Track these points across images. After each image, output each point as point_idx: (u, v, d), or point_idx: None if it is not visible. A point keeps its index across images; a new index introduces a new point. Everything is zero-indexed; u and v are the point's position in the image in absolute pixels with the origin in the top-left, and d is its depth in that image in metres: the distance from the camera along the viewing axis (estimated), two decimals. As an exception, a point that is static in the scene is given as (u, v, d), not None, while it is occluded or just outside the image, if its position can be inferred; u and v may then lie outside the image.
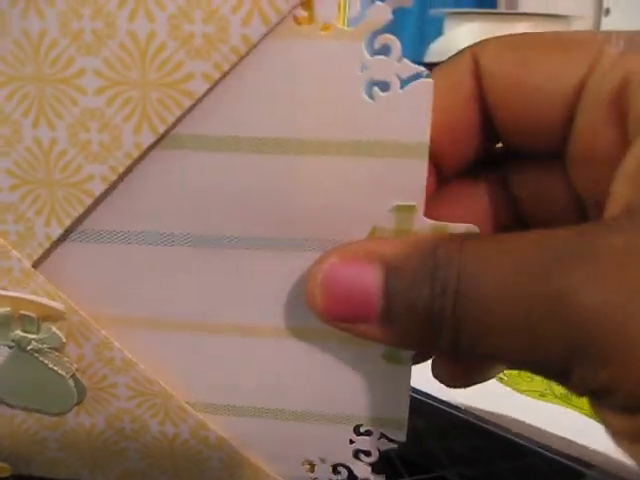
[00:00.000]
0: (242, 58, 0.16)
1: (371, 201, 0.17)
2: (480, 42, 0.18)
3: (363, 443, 0.20)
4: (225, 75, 0.16)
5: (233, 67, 0.16)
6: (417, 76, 0.16)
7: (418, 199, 0.17)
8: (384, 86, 0.17)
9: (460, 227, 0.17)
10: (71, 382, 0.20)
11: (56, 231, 0.18)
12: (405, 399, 0.19)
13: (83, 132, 0.17)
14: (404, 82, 0.16)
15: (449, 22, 0.66)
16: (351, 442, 0.20)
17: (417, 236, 0.17)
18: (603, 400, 0.14)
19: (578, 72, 0.16)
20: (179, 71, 0.16)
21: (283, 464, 0.21)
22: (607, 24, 0.76)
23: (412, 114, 0.16)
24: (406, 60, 0.16)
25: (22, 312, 0.19)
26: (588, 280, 0.14)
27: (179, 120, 0.17)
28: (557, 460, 0.24)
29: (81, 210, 0.18)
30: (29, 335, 0.19)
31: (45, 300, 0.19)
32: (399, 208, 0.17)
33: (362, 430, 0.20)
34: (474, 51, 0.17)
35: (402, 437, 0.20)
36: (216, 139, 0.17)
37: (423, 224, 0.17)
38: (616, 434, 0.15)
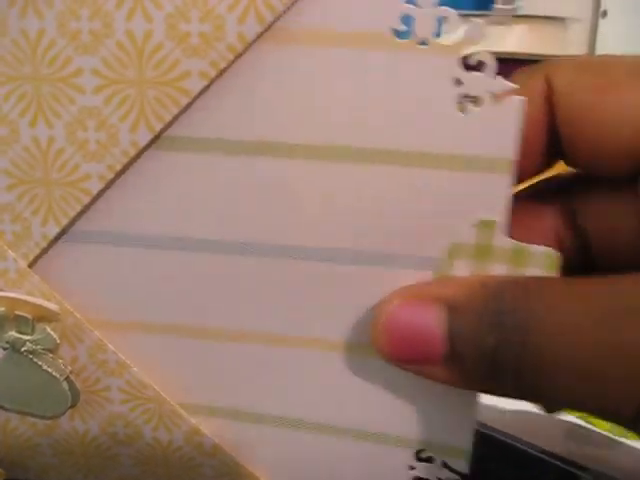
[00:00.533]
0: (239, 56, 0.17)
1: (453, 215, 0.18)
2: (553, 62, 0.18)
3: (423, 470, 0.20)
4: (221, 73, 0.17)
5: (230, 65, 0.17)
6: (509, 93, 0.17)
7: (501, 215, 0.17)
8: (476, 101, 0.17)
9: (539, 250, 0.17)
10: (65, 385, 0.20)
11: (53, 230, 0.18)
12: (470, 427, 0.19)
13: (81, 131, 0.17)
14: (496, 99, 0.17)
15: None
16: (411, 468, 0.20)
17: (480, 277, 0.17)
18: None
19: None
20: (175, 69, 0.17)
21: None
22: (604, 26, 0.78)
23: (502, 130, 0.17)
24: (500, 77, 0.17)
25: (17, 313, 0.19)
26: None
27: (176, 119, 0.17)
28: (553, 463, 0.25)
29: (78, 209, 0.18)
30: (23, 336, 0.19)
31: (40, 301, 0.19)
32: (481, 223, 0.18)
33: (423, 456, 0.20)
34: (546, 71, 0.17)
35: (465, 468, 0.20)
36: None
37: (504, 242, 0.18)
38: None
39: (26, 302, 0.19)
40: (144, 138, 0.17)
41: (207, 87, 0.17)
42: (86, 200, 0.18)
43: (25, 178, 0.18)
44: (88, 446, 0.21)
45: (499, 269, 0.18)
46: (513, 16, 0.62)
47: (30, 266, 0.19)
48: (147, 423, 0.20)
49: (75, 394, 0.20)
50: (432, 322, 0.16)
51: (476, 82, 0.17)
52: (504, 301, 0.16)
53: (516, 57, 0.58)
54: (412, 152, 0.17)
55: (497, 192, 0.17)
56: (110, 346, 0.20)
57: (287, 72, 0.17)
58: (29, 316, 0.19)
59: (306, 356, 0.19)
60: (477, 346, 0.16)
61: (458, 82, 0.17)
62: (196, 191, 0.18)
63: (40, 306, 0.19)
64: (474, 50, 0.17)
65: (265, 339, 0.19)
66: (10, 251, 0.19)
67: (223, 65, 0.17)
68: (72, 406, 0.20)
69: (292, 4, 0.17)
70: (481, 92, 0.17)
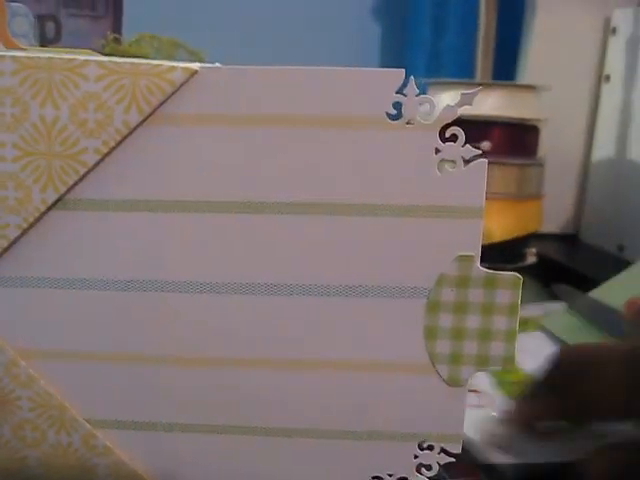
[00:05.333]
0: (124, 138, 0.24)
1: (439, 252, 0.25)
2: None
3: (425, 457, 0.27)
4: (111, 150, 0.24)
5: (118, 144, 0.24)
6: (476, 157, 0.24)
7: (475, 250, 0.25)
8: (451, 164, 0.24)
9: (506, 275, 0.25)
10: (-17, 393, 0.26)
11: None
12: (462, 415, 0.26)
13: (2, 190, 0.24)
14: (466, 161, 0.24)
15: (431, 90, 0.74)
16: (415, 457, 0.27)
17: None
18: None
19: None
20: (76, 146, 0.24)
21: None
22: (607, 91, 0.83)
23: (472, 185, 0.24)
24: (468, 145, 0.24)
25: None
26: None
27: (77, 184, 0.24)
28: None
29: (-2, 252, 0.25)
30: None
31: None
32: (461, 258, 0.25)
33: (425, 445, 0.26)
34: None
35: (458, 449, 0.26)
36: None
37: (479, 272, 0.25)
38: None
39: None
40: (51, 197, 0.24)
41: (101, 160, 0.24)
42: (4, 244, 0.24)
43: None
44: (1, 449, 0.27)
45: (476, 293, 0.25)
46: (492, 84, 0.69)
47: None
48: (51, 427, 0.26)
49: (-9, 402, 0.26)
50: None
51: (451, 150, 0.24)
52: None
53: (492, 120, 0.66)
54: (404, 205, 0.25)
55: (472, 233, 0.25)
56: (22, 362, 0.26)
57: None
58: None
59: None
60: None
61: (437, 150, 0.24)
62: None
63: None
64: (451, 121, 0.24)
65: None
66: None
67: (112, 144, 0.24)
68: (-11, 412, 0.26)
69: (166, 99, 0.23)
70: (455, 157, 0.24)
